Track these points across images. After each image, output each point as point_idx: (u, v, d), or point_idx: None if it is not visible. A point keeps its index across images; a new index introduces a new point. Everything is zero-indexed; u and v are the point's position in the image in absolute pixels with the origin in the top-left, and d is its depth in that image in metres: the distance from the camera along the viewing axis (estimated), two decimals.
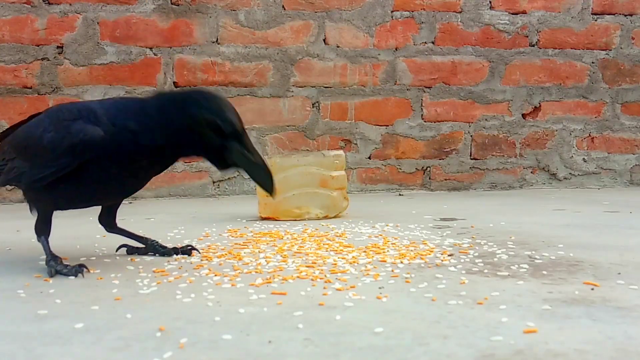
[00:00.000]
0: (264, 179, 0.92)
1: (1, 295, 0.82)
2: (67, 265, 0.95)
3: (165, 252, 1.09)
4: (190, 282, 0.88)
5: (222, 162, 0.93)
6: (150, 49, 2.24)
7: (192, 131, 0.89)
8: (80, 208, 1.05)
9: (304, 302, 0.76)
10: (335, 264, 0.98)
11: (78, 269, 0.94)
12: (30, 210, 1.01)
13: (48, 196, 0.97)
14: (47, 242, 0.99)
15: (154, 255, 1.09)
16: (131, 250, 1.11)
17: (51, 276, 0.93)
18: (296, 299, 0.78)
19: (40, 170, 0.93)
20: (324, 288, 0.83)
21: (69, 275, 0.93)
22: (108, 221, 1.10)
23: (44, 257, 0.98)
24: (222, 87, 2.28)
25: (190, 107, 0.88)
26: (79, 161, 0.90)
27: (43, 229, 1.01)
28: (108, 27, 2.21)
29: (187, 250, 1.10)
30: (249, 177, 0.94)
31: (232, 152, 0.90)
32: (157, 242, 1.11)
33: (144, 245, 1.11)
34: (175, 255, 1.08)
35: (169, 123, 0.89)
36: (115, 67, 2.22)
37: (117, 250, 1.11)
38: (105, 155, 0.90)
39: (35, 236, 1.01)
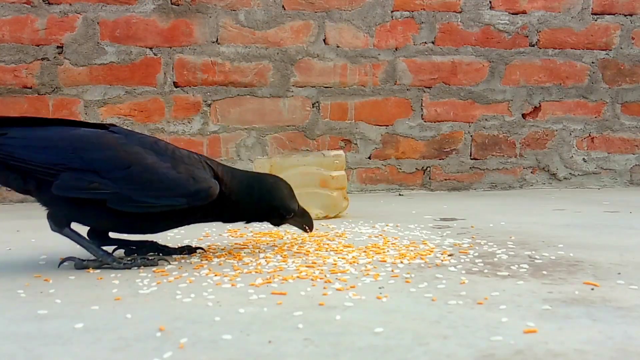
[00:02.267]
0: (309, 227, 1.17)
1: (1, 295, 0.82)
2: (122, 259, 0.99)
3: (168, 251, 1.09)
4: (190, 282, 0.88)
5: (276, 225, 1.19)
6: (150, 49, 2.24)
7: (265, 212, 1.12)
8: (115, 232, 1.10)
9: (304, 302, 0.76)
10: (335, 264, 0.98)
11: (132, 262, 0.99)
12: (43, 204, 1.01)
13: (100, 217, 0.99)
14: (77, 233, 1.00)
15: (156, 254, 1.08)
16: (130, 252, 1.11)
17: (99, 267, 0.98)
18: (296, 299, 0.78)
19: (146, 201, 0.97)
20: (324, 288, 0.83)
21: (125, 268, 0.98)
22: (100, 235, 1.09)
23: (75, 255, 1.00)
24: (222, 87, 2.28)
25: (267, 196, 1.10)
26: (192, 205, 1.00)
27: (62, 218, 1.00)
28: (108, 27, 2.21)
29: (192, 249, 1.11)
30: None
31: (287, 221, 1.15)
32: (156, 242, 1.11)
33: (143, 248, 1.10)
34: (175, 255, 1.08)
35: (254, 200, 1.09)
36: (115, 67, 2.22)
37: (113, 251, 1.10)
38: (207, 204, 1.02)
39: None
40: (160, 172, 0.98)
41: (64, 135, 0.98)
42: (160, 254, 1.08)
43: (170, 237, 1.31)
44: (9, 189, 1.02)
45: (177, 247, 1.11)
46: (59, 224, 0.99)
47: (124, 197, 0.96)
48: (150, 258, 1.00)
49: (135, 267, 0.98)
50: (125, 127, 1.06)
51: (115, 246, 1.11)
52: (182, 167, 1.00)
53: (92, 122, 1.08)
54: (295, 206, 1.14)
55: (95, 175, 0.95)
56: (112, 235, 1.10)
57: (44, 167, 0.95)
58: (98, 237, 1.08)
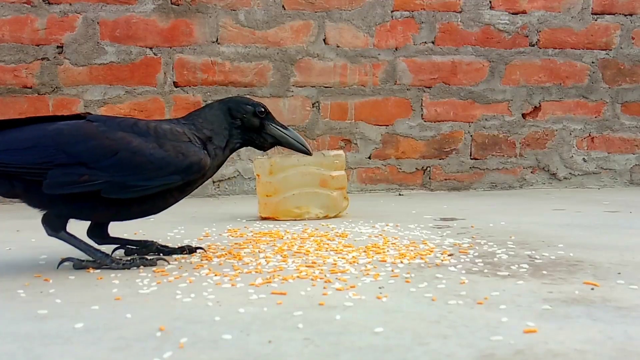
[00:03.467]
0: (300, 144, 1.13)
1: (1, 295, 0.82)
2: (120, 259, 0.99)
3: (169, 251, 1.10)
4: (190, 282, 0.88)
5: (264, 142, 1.12)
6: (150, 48, 2.24)
7: (242, 124, 1.09)
8: (114, 221, 1.09)
9: (304, 302, 0.76)
10: (335, 264, 0.98)
11: (132, 263, 0.98)
12: (34, 207, 1.00)
13: (97, 208, 0.98)
14: (74, 236, 0.99)
15: (157, 254, 1.08)
16: (130, 252, 1.11)
17: (98, 268, 0.97)
18: (296, 299, 0.78)
19: (139, 184, 0.96)
20: (324, 288, 0.83)
21: (124, 269, 0.97)
22: (100, 233, 1.08)
23: (76, 256, 0.99)
24: (222, 87, 2.28)
25: (234, 110, 1.09)
26: (186, 180, 1.00)
27: (60, 223, 0.99)
28: (108, 27, 2.21)
29: (192, 249, 1.11)
30: (288, 146, 1.14)
31: (269, 129, 1.11)
32: (157, 242, 1.11)
33: (143, 248, 1.10)
34: (176, 255, 1.08)
35: (229, 126, 1.08)
36: (115, 67, 2.22)
37: (112, 253, 1.10)
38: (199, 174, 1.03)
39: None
40: (148, 153, 0.97)
41: (44, 133, 0.96)
42: (161, 254, 1.08)
43: (170, 237, 1.31)
44: None
45: (177, 247, 1.11)
46: (54, 228, 0.99)
47: (117, 185, 0.95)
48: (149, 258, 1.00)
49: (135, 267, 0.97)
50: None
51: (117, 245, 1.11)
52: (169, 144, 0.99)
53: (64, 114, 1.05)
54: (264, 105, 1.12)
55: (84, 168, 0.94)
56: (113, 234, 1.10)
57: (29, 168, 0.93)
58: (98, 236, 1.08)
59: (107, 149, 0.95)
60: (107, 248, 1.09)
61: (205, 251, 1.11)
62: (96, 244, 1.07)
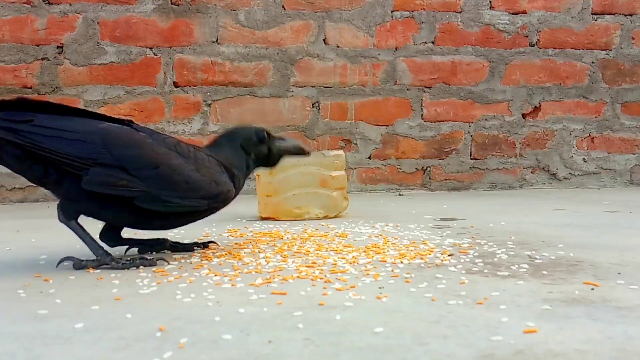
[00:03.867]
0: (300, 148, 1.20)
1: (1, 296, 0.82)
2: (121, 259, 0.99)
3: (183, 247, 1.12)
4: (190, 282, 0.88)
5: (273, 161, 1.19)
6: (150, 49, 2.24)
7: (255, 155, 1.16)
8: (129, 227, 1.10)
9: (304, 302, 0.76)
10: (335, 264, 0.98)
11: (132, 263, 0.98)
12: (58, 196, 1.00)
13: (120, 213, 1.00)
14: (83, 228, 0.99)
15: (175, 249, 1.12)
16: (143, 250, 1.12)
17: (97, 267, 0.98)
18: (296, 299, 0.78)
19: (172, 200, 0.99)
20: (324, 288, 0.83)
21: (124, 269, 0.97)
22: (113, 236, 1.10)
23: (81, 255, 1.00)
24: (222, 87, 2.28)
25: (246, 145, 1.14)
26: (211, 206, 1.04)
27: (75, 212, 0.99)
28: (108, 27, 2.21)
29: (206, 244, 1.15)
30: (291, 155, 1.20)
31: (274, 148, 1.16)
32: (169, 240, 1.13)
33: (159, 245, 1.12)
34: (176, 255, 1.09)
35: (246, 160, 1.14)
36: (115, 67, 2.22)
37: (126, 252, 1.11)
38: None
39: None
40: (186, 173, 1.00)
41: (93, 129, 0.97)
42: (178, 250, 1.12)
43: (170, 237, 1.31)
44: (25, 177, 0.99)
45: (197, 241, 1.15)
46: (68, 215, 0.99)
47: (152, 196, 0.97)
48: (149, 258, 1.00)
49: (134, 267, 0.98)
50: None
51: (127, 245, 1.12)
52: (205, 170, 1.03)
53: (111, 116, 1.06)
54: (263, 128, 1.17)
55: (124, 172, 0.95)
56: (125, 235, 1.12)
57: (73, 160, 0.94)
58: (112, 239, 1.10)
59: (150, 160, 0.97)
60: (120, 249, 1.10)
61: (218, 245, 1.15)
62: (109, 247, 1.08)
